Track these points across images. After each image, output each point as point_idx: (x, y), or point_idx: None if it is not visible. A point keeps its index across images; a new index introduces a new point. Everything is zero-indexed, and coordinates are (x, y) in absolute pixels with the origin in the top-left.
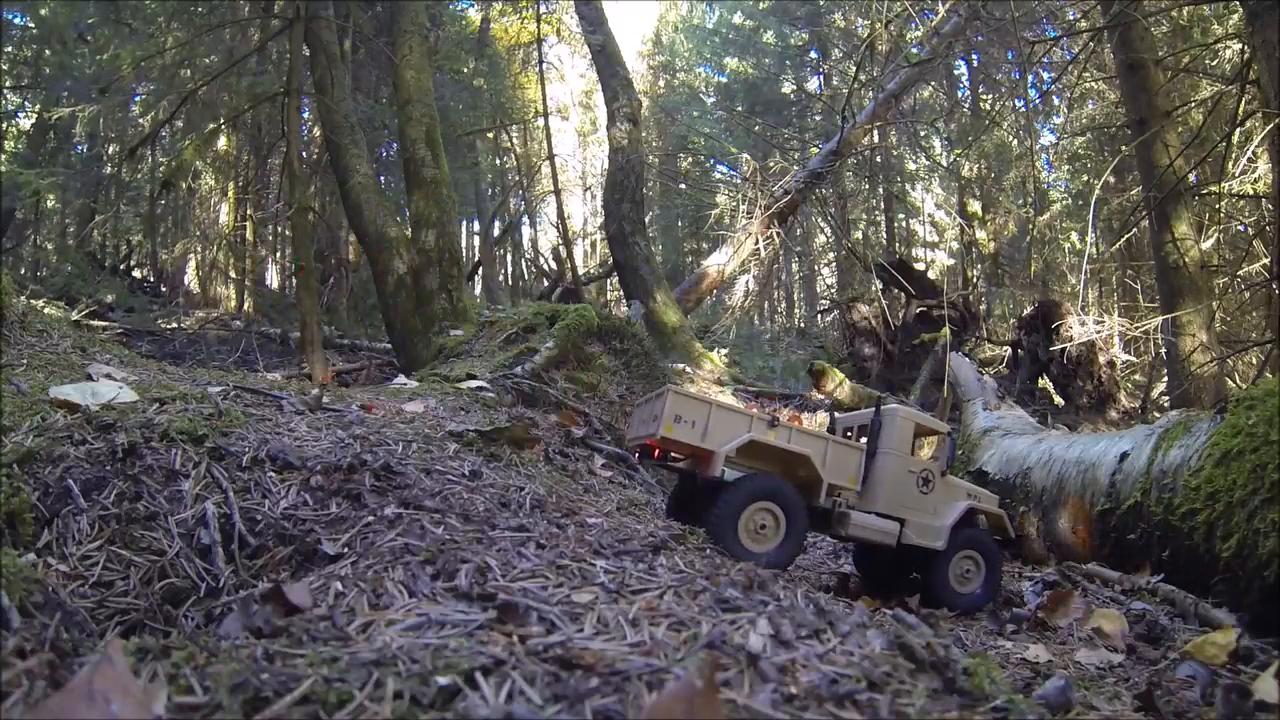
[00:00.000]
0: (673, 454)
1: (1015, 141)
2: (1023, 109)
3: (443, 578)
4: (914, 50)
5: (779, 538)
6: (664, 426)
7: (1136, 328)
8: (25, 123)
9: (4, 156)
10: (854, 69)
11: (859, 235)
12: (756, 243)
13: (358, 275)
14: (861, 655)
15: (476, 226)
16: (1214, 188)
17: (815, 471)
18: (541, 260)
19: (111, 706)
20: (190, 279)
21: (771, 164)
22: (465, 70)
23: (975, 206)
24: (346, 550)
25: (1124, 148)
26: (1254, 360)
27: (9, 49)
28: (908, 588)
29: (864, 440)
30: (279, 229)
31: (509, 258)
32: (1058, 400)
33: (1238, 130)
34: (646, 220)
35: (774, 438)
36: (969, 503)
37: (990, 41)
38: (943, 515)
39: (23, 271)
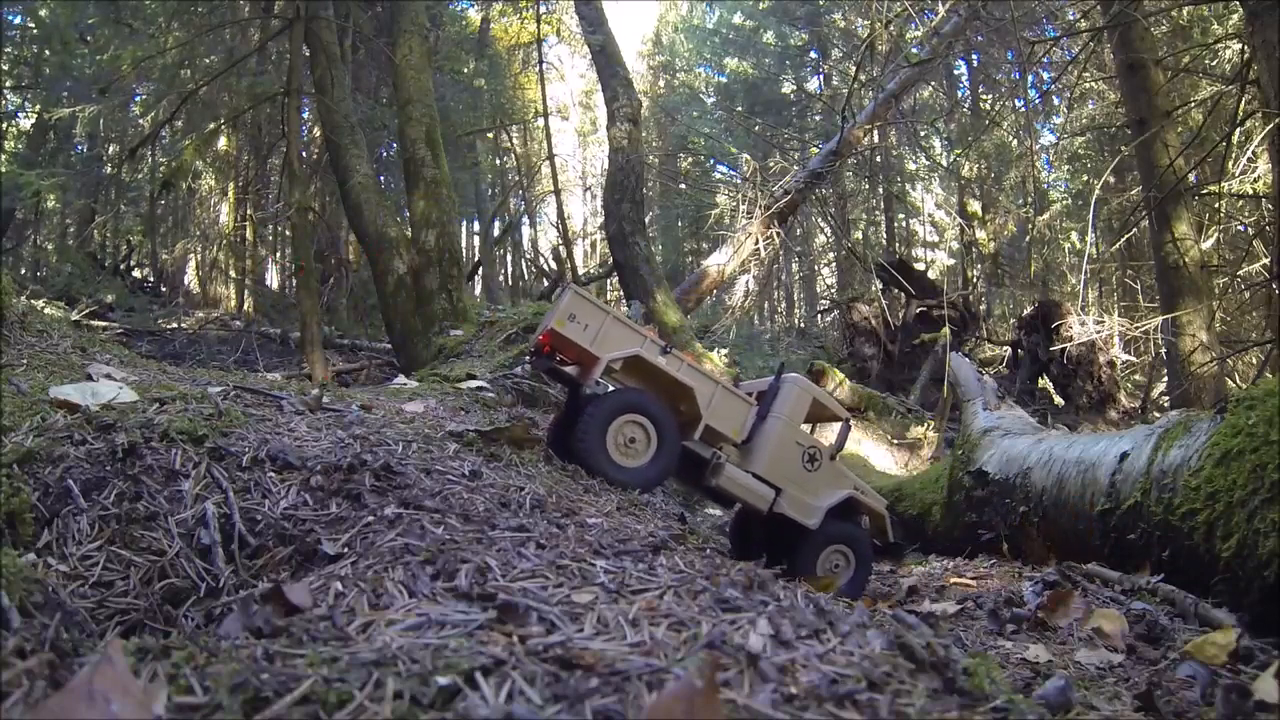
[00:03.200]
0: (560, 356)
1: (1015, 141)
2: (1023, 109)
3: (443, 578)
4: (914, 50)
5: (649, 453)
6: (556, 320)
7: (1136, 328)
8: (25, 123)
9: (4, 156)
10: (854, 69)
11: (859, 235)
12: (756, 243)
13: (358, 275)
14: (861, 655)
15: (476, 226)
16: (1214, 188)
17: (696, 408)
18: (541, 260)
19: (111, 706)
20: (190, 279)
21: (771, 164)
22: (465, 70)
23: (975, 206)
24: (346, 550)
25: (1124, 148)
26: (1254, 360)
27: (9, 49)
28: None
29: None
30: (279, 229)
31: (509, 258)
32: (1058, 400)
33: (1238, 130)
34: (646, 220)
35: (662, 362)
36: (850, 492)
37: (990, 41)
38: (822, 497)
39: (23, 271)
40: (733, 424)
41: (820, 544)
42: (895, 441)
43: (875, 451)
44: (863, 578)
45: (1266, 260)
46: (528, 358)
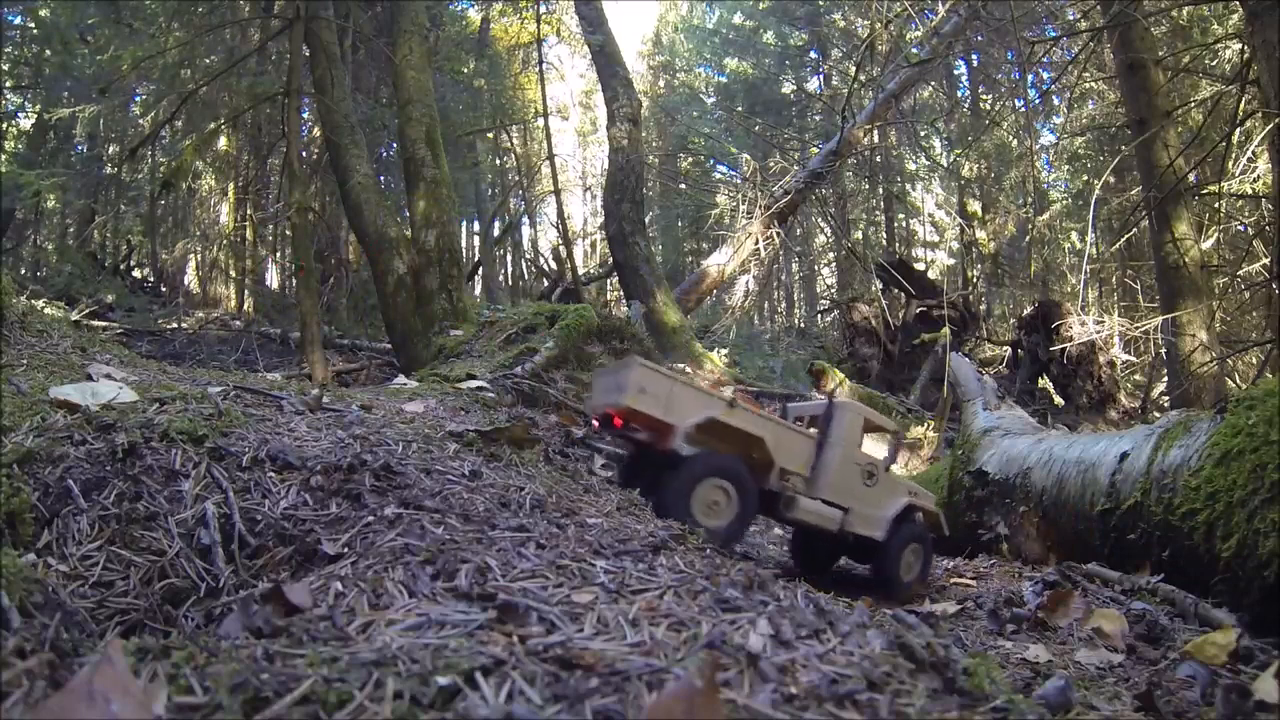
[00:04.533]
0: (633, 425)
1: (1015, 141)
2: (1023, 109)
3: (443, 578)
4: (914, 50)
5: (730, 514)
6: (629, 397)
7: (1136, 328)
8: (25, 123)
9: (4, 156)
10: (854, 69)
11: (859, 235)
12: (756, 243)
13: (358, 275)
14: (861, 655)
15: (476, 226)
16: (1214, 188)
17: (768, 454)
18: (541, 260)
19: (111, 706)
20: (190, 279)
21: (771, 164)
22: (465, 70)
23: (975, 206)
24: (346, 550)
25: (1124, 148)
26: (1254, 360)
27: (9, 49)
28: (839, 576)
29: (814, 430)
30: (279, 229)
31: (509, 258)
32: (1058, 400)
33: (1238, 130)
34: (646, 220)
35: (733, 418)
36: (908, 499)
37: (990, 41)
38: (884, 508)
39: (23, 271)
40: (799, 460)
41: (897, 550)
42: None
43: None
44: (929, 569)
45: (1266, 260)
46: (590, 428)
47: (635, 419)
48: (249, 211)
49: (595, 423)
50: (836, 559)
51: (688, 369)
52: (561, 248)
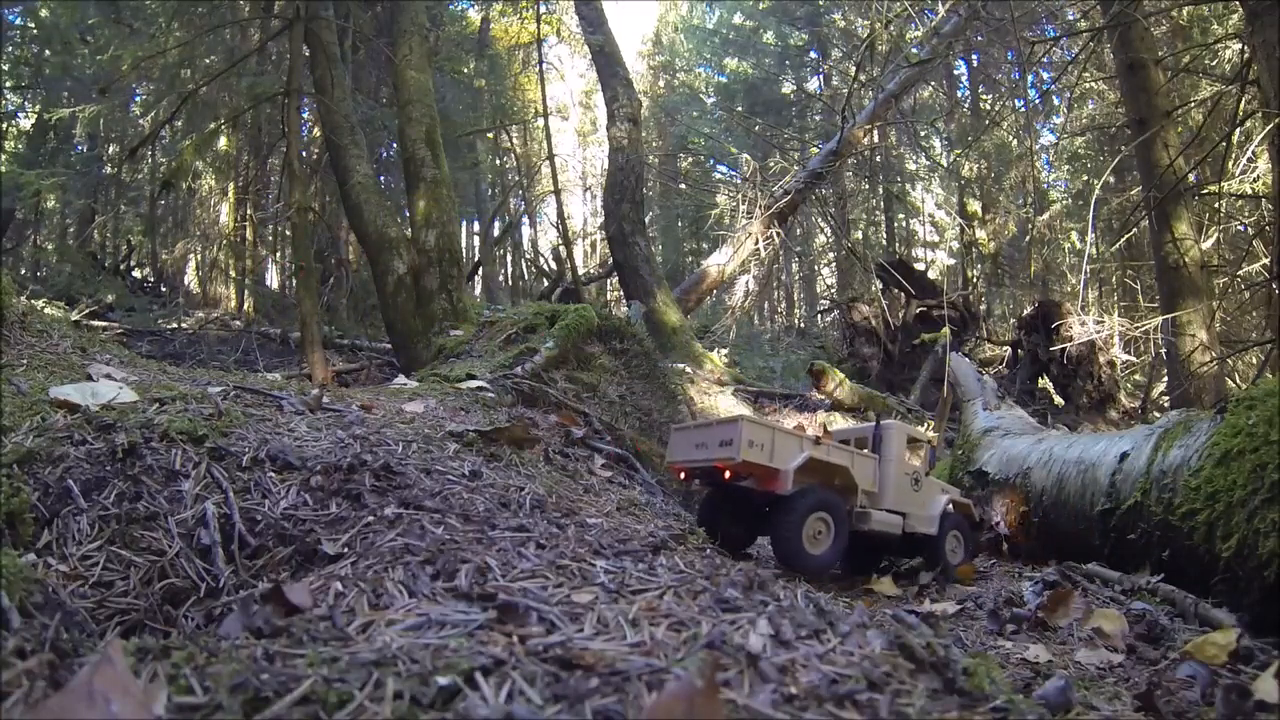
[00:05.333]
0: (743, 475)
1: (1015, 141)
2: (1023, 109)
3: (443, 578)
4: (914, 50)
5: (830, 540)
6: (743, 452)
7: (1136, 328)
8: (25, 123)
9: (4, 156)
10: (854, 69)
11: (859, 235)
12: (756, 243)
13: (358, 275)
14: (861, 655)
15: (476, 226)
16: (1214, 188)
17: (852, 480)
18: (541, 260)
19: (111, 706)
20: (190, 279)
21: (771, 164)
22: (465, 70)
23: (975, 206)
24: (346, 550)
25: (1124, 148)
26: (1254, 360)
27: (9, 49)
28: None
29: (867, 451)
30: (279, 229)
31: (509, 258)
32: (1058, 400)
33: (1238, 130)
34: (646, 220)
35: (821, 453)
36: (948, 496)
37: (990, 41)
38: (931, 507)
39: (23, 271)
40: (869, 479)
41: (943, 540)
42: None
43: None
44: (971, 547)
45: (1266, 260)
46: (683, 478)
47: (749, 470)
48: (249, 211)
49: (683, 475)
50: (880, 558)
51: (688, 369)
52: (561, 248)
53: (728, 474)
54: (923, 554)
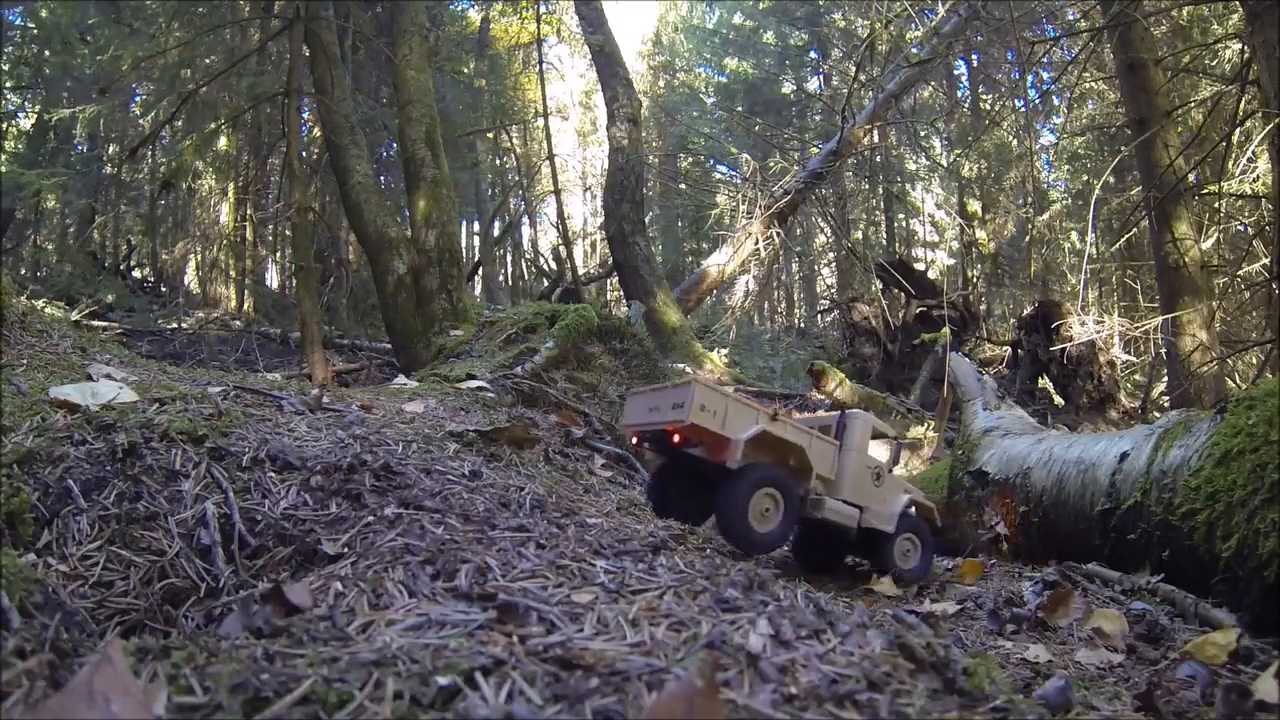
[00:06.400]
0: (691, 441)
1: (1015, 141)
2: (1023, 109)
3: (443, 578)
4: (914, 50)
5: (778, 519)
6: (693, 414)
7: (1136, 328)
8: (25, 123)
9: (4, 156)
10: (854, 69)
11: (859, 235)
12: (756, 243)
13: (358, 275)
14: (861, 655)
15: (476, 226)
16: (1214, 188)
17: (807, 461)
18: (541, 260)
19: (111, 706)
20: (190, 279)
21: (771, 164)
22: (465, 70)
23: (975, 206)
24: (346, 550)
25: (1124, 148)
26: (1254, 360)
27: (9, 49)
28: (835, 567)
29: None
30: (279, 229)
31: (509, 258)
32: (1058, 400)
33: (1238, 130)
34: (646, 220)
35: (777, 430)
36: (909, 495)
37: (990, 41)
38: (890, 504)
39: (23, 271)
40: (827, 465)
41: (895, 538)
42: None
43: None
44: (930, 555)
45: (1266, 260)
46: (634, 441)
47: (697, 435)
48: (249, 211)
49: (635, 439)
50: (839, 557)
51: (688, 369)
52: (561, 248)
53: (677, 437)
54: (873, 556)
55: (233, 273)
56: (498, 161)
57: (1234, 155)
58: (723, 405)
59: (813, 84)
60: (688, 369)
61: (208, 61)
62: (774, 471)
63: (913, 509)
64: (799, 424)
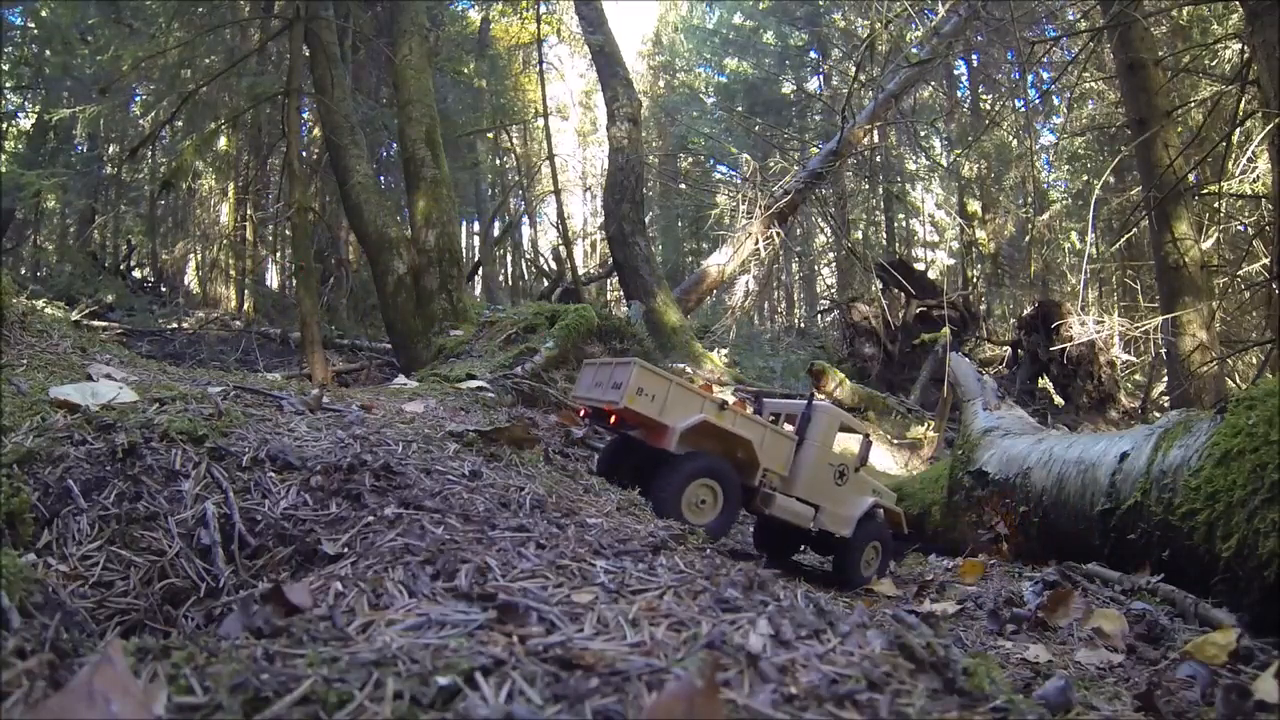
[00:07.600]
0: (626, 422)
1: (1015, 141)
2: (1023, 109)
3: (443, 578)
4: (914, 50)
5: (716, 512)
6: (627, 398)
7: (1136, 328)
8: (25, 123)
9: (4, 156)
10: (854, 69)
11: (859, 235)
12: (756, 243)
13: (358, 275)
14: (861, 655)
15: (476, 226)
16: (1214, 188)
17: (754, 455)
18: (541, 260)
19: (111, 706)
20: (190, 279)
21: (771, 164)
22: (465, 70)
23: (975, 206)
24: (346, 550)
25: (1124, 148)
26: (1254, 360)
27: (9, 49)
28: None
29: (790, 429)
30: (279, 229)
31: (509, 258)
32: (1058, 400)
33: (1238, 130)
34: (646, 220)
35: (723, 421)
36: (874, 499)
37: (990, 41)
38: (852, 507)
39: (23, 271)
40: (780, 460)
41: (859, 546)
42: (895, 441)
43: (875, 451)
44: (887, 562)
45: (1266, 260)
46: (580, 414)
47: (633, 419)
48: (249, 211)
49: (583, 412)
50: (797, 549)
51: (688, 369)
52: (561, 248)
53: (613, 419)
54: (833, 555)
55: (233, 273)
56: (498, 161)
57: (1234, 155)
58: (664, 391)
59: (813, 84)
60: (688, 369)
61: (208, 61)
62: (714, 462)
63: (880, 513)
64: (752, 416)
